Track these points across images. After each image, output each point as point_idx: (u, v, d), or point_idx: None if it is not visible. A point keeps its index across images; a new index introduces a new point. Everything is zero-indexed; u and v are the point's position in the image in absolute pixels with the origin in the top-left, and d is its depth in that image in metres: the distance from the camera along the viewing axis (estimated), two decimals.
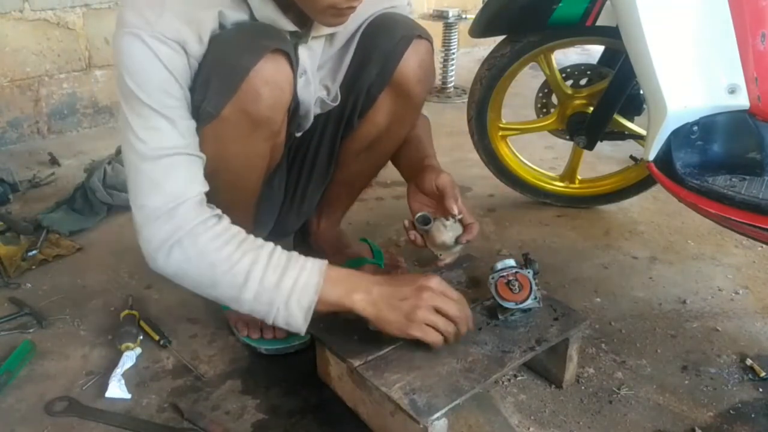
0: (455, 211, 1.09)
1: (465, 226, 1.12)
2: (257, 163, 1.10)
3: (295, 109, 1.10)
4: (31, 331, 1.27)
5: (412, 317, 0.95)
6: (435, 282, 0.98)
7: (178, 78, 0.94)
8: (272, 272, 0.93)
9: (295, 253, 0.97)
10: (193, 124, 0.97)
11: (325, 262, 0.98)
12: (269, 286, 0.93)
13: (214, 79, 0.95)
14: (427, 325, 0.96)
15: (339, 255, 1.45)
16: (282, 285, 0.93)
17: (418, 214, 1.12)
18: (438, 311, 0.96)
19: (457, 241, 1.11)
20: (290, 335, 1.22)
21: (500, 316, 1.09)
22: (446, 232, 1.10)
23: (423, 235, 1.12)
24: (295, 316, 0.95)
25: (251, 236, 0.97)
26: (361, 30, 1.15)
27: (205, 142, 1.02)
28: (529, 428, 1.05)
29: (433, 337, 0.96)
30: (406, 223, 1.14)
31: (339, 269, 0.99)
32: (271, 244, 0.97)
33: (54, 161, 2.17)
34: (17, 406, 1.09)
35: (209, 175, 1.02)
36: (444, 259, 1.13)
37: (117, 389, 1.10)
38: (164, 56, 0.92)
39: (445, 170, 1.16)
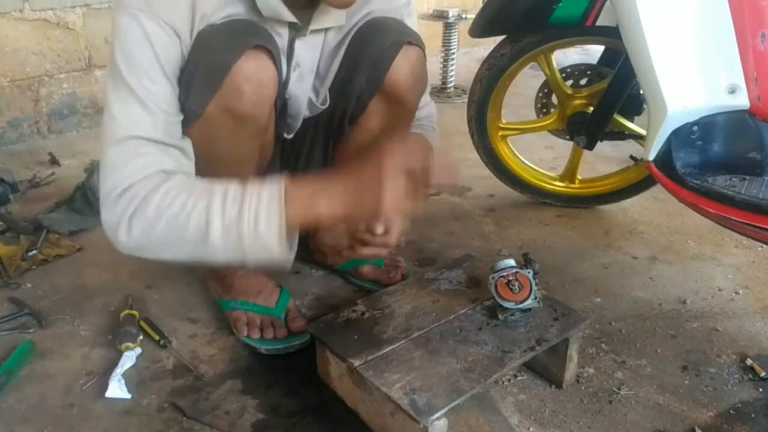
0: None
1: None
2: (245, 162, 1.09)
3: (283, 107, 1.10)
4: (31, 331, 1.27)
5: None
6: (391, 167, 0.90)
7: (166, 66, 0.93)
8: (231, 205, 0.89)
9: (249, 186, 0.91)
10: (171, 114, 0.95)
11: (281, 186, 0.91)
12: (232, 221, 0.89)
13: (197, 78, 0.95)
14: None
15: (338, 256, 1.45)
16: (243, 216, 0.89)
17: None
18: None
19: None
20: (290, 335, 1.23)
21: (500, 316, 1.09)
22: None
23: None
24: (270, 243, 0.90)
25: (202, 182, 0.94)
26: (354, 31, 1.13)
27: (191, 141, 1.02)
28: (529, 428, 1.05)
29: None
30: None
31: (297, 188, 0.92)
32: (223, 184, 0.92)
33: (54, 161, 2.16)
34: (17, 406, 1.08)
35: (197, 173, 1.01)
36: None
37: (117, 389, 1.10)
38: (157, 41, 0.91)
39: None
